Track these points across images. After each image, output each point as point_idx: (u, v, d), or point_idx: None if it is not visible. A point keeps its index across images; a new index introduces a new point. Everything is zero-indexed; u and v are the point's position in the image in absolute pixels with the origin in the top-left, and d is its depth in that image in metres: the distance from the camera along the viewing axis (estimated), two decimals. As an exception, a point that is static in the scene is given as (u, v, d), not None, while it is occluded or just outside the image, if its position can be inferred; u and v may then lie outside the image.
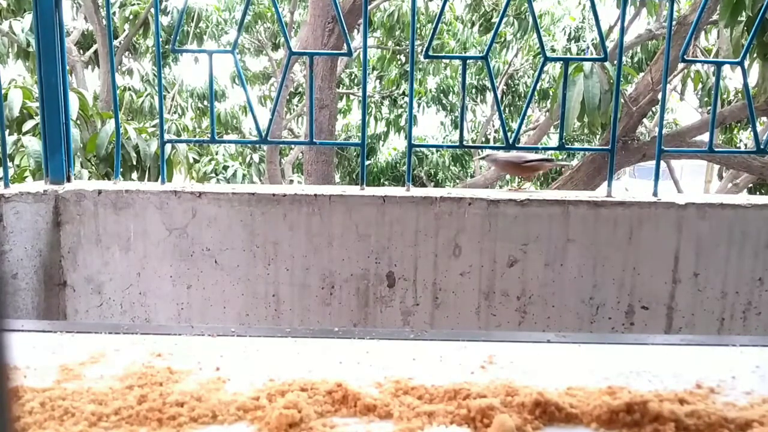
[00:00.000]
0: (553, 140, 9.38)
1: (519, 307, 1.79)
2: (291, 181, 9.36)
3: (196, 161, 6.66)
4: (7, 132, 2.34)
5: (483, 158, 1.82)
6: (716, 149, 4.07)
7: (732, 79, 6.16)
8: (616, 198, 1.77)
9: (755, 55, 3.53)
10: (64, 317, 1.82)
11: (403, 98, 10.50)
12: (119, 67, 9.15)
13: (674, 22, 3.51)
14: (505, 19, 8.29)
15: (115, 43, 7.67)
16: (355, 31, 7.29)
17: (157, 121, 2.30)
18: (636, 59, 8.27)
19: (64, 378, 0.85)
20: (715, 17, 4.63)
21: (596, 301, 1.78)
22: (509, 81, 9.99)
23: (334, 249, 1.78)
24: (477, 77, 9.88)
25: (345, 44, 1.91)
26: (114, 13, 7.30)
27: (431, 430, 0.73)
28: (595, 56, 5.20)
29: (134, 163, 3.49)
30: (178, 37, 2.17)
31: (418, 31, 9.08)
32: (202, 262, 1.79)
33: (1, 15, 7.41)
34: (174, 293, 1.81)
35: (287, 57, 2.01)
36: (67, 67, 1.95)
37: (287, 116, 9.96)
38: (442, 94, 10.58)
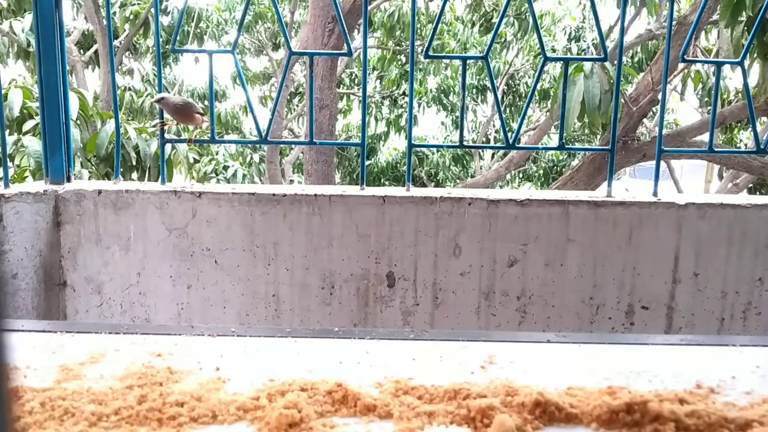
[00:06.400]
0: (554, 140, 9.38)
1: (519, 307, 1.79)
2: (291, 181, 9.36)
3: (196, 161, 6.66)
4: (7, 132, 2.34)
5: (157, 101, 1.84)
6: (716, 149, 4.07)
7: (732, 79, 6.15)
8: (616, 198, 1.77)
9: (755, 55, 3.53)
10: (64, 317, 1.82)
11: (403, 98, 10.50)
12: (119, 67, 9.14)
13: (674, 22, 3.51)
14: (505, 20, 8.29)
15: (116, 43, 7.68)
16: (356, 31, 7.28)
17: (157, 120, 2.30)
18: (636, 59, 8.26)
19: (64, 378, 0.85)
20: (715, 17, 4.63)
21: (596, 301, 1.78)
22: (510, 81, 9.98)
23: (334, 249, 1.78)
24: (477, 77, 9.88)
25: (345, 44, 1.91)
26: (114, 13, 7.30)
27: (431, 430, 0.73)
28: (595, 56, 5.21)
29: (134, 163, 3.49)
30: (178, 37, 2.17)
31: (419, 31, 9.08)
32: (202, 262, 1.79)
33: (1, 15, 7.41)
34: (174, 293, 1.81)
35: (287, 57, 2.01)
36: (67, 67, 1.95)
37: (287, 116, 9.95)
38: (442, 94, 10.57)
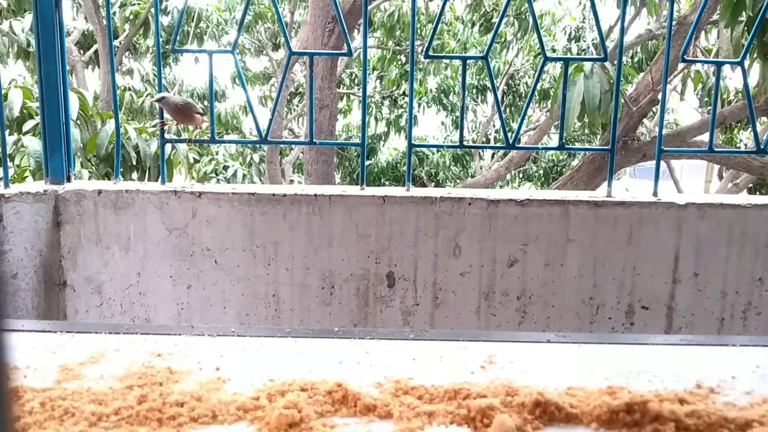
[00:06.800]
0: (554, 140, 9.38)
1: (519, 307, 1.79)
2: (291, 181, 9.36)
3: (196, 161, 6.66)
4: (7, 132, 2.34)
5: (157, 101, 1.83)
6: (716, 149, 4.07)
7: (732, 79, 6.15)
8: (616, 198, 1.77)
9: (755, 55, 3.53)
10: (64, 317, 1.82)
11: (403, 98, 10.50)
12: (119, 67, 9.14)
13: (674, 22, 3.51)
14: (505, 19, 8.29)
15: (116, 43, 7.67)
16: (356, 31, 7.28)
17: (157, 120, 2.30)
18: (636, 59, 8.26)
19: (64, 378, 0.85)
20: (715, 17, 4.63)
21: (596, 301, 1.78)
22: (510, 81, 9.98)
23: (334, 249, 1.78)
24: (477, 77, 9.87)
25: (345, 44, 1.91)
26: (114, 13, 7.30)
27: (431, 430, 0.73)
28: (595, 56, 5.21)
29: (134, 163, 3.49)
30: (178, 37, 2.17)
31: (419, 31, 9.08)
32: (202, 262, 1.79)
33: (1, 15, 7.41)
34: (174, 293, 1.81)
35: (287, 57, 2.01)
36: (67, 67, 1.95)
37: (287, 116, 9.95)
38: (442, 94, 10.57)
